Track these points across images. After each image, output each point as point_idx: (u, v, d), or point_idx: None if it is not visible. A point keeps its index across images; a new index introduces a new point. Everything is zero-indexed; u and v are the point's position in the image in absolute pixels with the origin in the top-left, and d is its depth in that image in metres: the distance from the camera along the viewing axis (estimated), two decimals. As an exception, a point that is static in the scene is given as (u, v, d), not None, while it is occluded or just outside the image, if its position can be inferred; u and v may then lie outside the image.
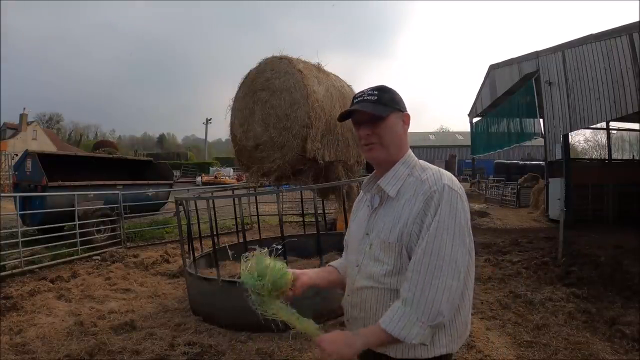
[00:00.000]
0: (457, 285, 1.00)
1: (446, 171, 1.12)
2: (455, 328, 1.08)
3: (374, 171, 1.25)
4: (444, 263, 0.98)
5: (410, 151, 1.18)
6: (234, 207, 5.48)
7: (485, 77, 14.39)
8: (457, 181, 1.10)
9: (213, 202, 4.59)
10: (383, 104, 1.12)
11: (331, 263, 1.42)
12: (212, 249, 4.20)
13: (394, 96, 1.16)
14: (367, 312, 1.13)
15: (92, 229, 7.01)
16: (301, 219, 7.34)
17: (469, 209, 1.09)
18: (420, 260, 1.00)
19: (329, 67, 4.81)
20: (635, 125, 12.72)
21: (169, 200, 9.36)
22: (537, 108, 9.87)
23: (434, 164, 1.19)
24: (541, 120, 10.21)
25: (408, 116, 1.17)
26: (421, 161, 1.18)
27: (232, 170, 30.00)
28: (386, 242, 1.09)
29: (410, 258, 1.05)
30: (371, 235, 1.15)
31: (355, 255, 1.21)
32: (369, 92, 1.16)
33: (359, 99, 1.17)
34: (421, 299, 0.97)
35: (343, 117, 1.23)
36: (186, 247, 4.38)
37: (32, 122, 34.82)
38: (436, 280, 0.97)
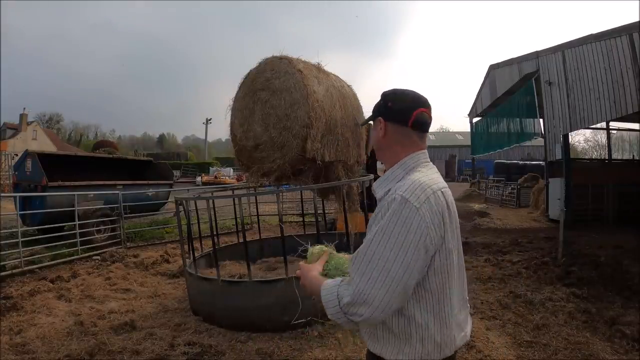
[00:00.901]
0: (392, 294, 0.99)
1: (423, 181, 1.07)
2: (421, 339, 1.08)
3: None
4: (375, 267, 1.00)
5: (414, 154, 1.16)
6: (234, 207, 5.48)
7: (485, 77, 14.39)
8: (427, 193, 1.05)
9: (213, 202, 4.59)
10: (372, 113, 1.25)
11: None
12: (212, 249, 4.20)
13: (379, 102, 1.23)
14: None
15: (92, 229, 7.00)
16: (301, 219, 7.34)
17: (438, 222, 1.04)
18: (358, 253, 1.05)
19: (329, 67, 4.80)
20: (635, 125, 12.72)
21: (169, 200, 9.36)
22: (537, 108, 9.87)
23: (433, 165, 1.20)
24: (541, 120, 10.21)
25: (380, 121, 1.20)
26: (423, 165, 1.16)
27: (232, 170, 30.00)
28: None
29: None
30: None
31: None
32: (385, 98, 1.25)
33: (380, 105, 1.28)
34: (350, 284, 1.03)
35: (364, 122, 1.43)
36: (186, 247, 4.38)
37: (32, 122, 34.83)
38: (365, 278, 1.01)
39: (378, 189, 1.18)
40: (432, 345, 1.08)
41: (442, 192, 1.09)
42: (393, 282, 0.99)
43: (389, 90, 1.23)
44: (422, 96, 1.20)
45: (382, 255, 1.00)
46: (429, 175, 1.12)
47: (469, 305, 1.26)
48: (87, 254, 6.42)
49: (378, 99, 1.25)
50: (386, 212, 1.03)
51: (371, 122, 1.27)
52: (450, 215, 1.09)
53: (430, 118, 1.19)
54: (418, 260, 1.00)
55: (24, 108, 33.66)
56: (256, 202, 6.18)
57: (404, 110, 1.16)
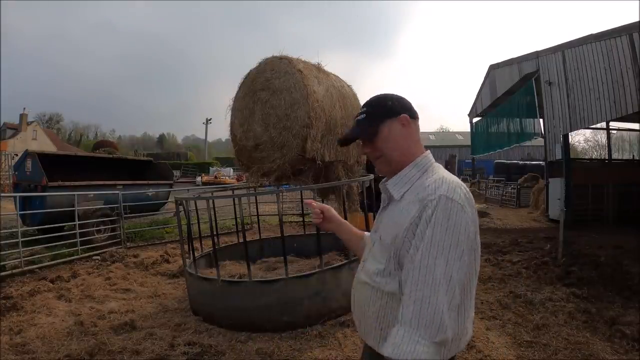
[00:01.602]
0: (454, 301, 0.96)
1: (452, 179, 1.07)
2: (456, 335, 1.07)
3: None
4: (440, 280, 0.94)
5: (426, 153, 1.16)
6: (234, 207, 5.48)
7: (485, 77, 14.39)
8: (462, 189, 1.04)
9: (213, 202, 4.59)
10: (372, 119, 1.15)
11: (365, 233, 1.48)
12: (212, 249, 4.20)
13: (384, 104, 1.16)
14: (360, 308, 1.18)
15: (92, 229, 7.00)
16: (301, 219, 7.34)
17: (475, 218, 1.03)
18: (415, 279, 0.96)
19: (329, 67, 4.82)
20: (635, 125, 12.73)
21: (169, 200, 9.36)
22: (537, 108, 9.87)
23: (443, 168, 1.19)
24: (541, 120, 10.21)
25: (405, 117, 1.14)
26: (436, 164, 1.15)
27: (232, 170, 30.00)
28: (384, 243, 1.11)
29: (399, 264, 1.05)
30: (377, 233, 1.19)
31: (365, 250, 1.27)
32: (360, 111, 1.19)
33: (354, 120, 1.22)
34: (421, 318, 0.93)
35: (341, 142, 1.26)
36: (186, 247, 4.38)
37: (32, 122, 34.84)
38: (434, 298, 0.93)
39: (393, 190, 1.13)
40: (455, 343, 1.07)
41: (467, 190, 1.09)
42: (456, 287, 0.96)
43: (375, 96, 1.20)
44: None
45: (445, 271, 0.95)
46: (449, 174, 1.11)
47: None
48: (87, 254, 6.42)
49: (366, 105, 1.20)
50: (431, 216, 0.98)
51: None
52: (476, 214, 1.10)
53: None
54: (470, 257, 1.00)
55: (24, 108, 33.71)
56: (256, 202, 6.18)
57: (412, 107, 1.18)
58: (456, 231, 0.97)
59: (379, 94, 1.21)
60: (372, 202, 4.52)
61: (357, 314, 1.20)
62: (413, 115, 1.16)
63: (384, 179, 1.25)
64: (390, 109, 1.15)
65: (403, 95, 1.21)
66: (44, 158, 7.52)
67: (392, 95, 1.19)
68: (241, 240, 5.00)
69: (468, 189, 1.08)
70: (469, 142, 18.03)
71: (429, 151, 1.18)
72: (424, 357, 0.91)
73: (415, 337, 0.92)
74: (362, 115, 1.17)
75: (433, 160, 1.16)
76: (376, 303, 1.11)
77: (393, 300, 1.07)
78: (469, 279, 1.04)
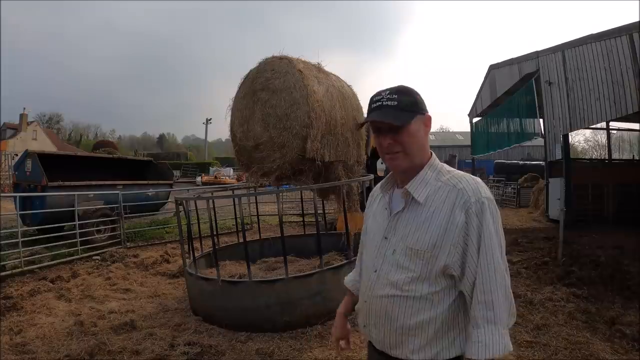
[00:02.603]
0: (510, 287, 1.07)
1: (479, 179, 1.11)
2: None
3: (390, 173, 1.22)
4: (501, 276, 1.04)
5: (434, 154, 1.16)
6: (234, 207, 5.48)
7: (485, 77, 14.38)
8: (484, 185, 1.11)
9: (213, 202, 4.59)
10: (403, 109, 1.07)
11: (345, 282, 1.49)
12: (212, 249, 4.20)
13: (415, 98, 1.11)
14: (388, 319, 1.11)
15: (92, 229, 7.00)
16: (301, 219, 7.34)
17: None
18: (485, 280, 1.02)
19: (329, 67, 4.81)
20: (635, 125, 12.72)
21: (169, 200, 9.36)
22: (537, 108, 9.86)
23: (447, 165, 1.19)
24: (541, 120, 10.20)
25: (429, 118, 1.13)
26: (443, 164, 1.16)
27: (232, 170, 29.99)
28: (414, 249, 1.07)
29: (445, 266, 1.04)
30: (392, 240, 1.12)
31: (372, 259, 1.18)
32: (388, 95, 1.09)
33: (377, 104, 1.10)
34: (500, 314, 1.02)
35: (362, 125, 1.28)
36: (186, 247, 4.38)
37: (32, 122, 34.81)
38: (502, 293, 1.03)
39: (417, 192, 1.09)
40: None
41: None
42: (508, 286, 1.07)
43: (402, 86, 1.13)
44: None
45: (504, 266, 1.06)
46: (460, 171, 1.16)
47: None
48: (87, 254, 6.42)
49: (401, 89, 1.12)
50: (482, 220, 1.04)
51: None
52: None
53: None
54: None
55: (24, 108, 33.69)
56: (256, 202, 6.18)
57: (425, 106, 1.16)
58: (500, 226, 1.08)
59: (403, 85, 1.14)
60: (372, 202, 4.52)
61: (383, 328, 1.12)
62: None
63: (384, 180, 1.22)
64: (420, 104, 1.11)
65: None
66: (44, 158, 7.52)
67: (417, 90, 1.13)
68: (241, 240, 5.01)
69: None
70: (469, 142, 18.01)
71: (433, 152, 1.19)
72: (508, 341, 1.03)
73: (502, 330, 1.02)
74: (394, 102, 1.07)
75: (439, 160, 1.18)
76: (410, 311, 1.08)
77: (424, 302, 1.07)
78: None
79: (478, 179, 1.10)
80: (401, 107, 1.07)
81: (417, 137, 1.09)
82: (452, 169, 1.15)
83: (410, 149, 1.09)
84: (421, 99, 1.12)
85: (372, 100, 1.12)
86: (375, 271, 1.15)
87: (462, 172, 1.13)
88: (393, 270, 1.10)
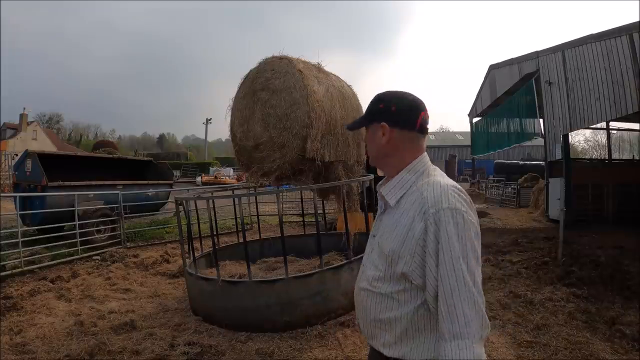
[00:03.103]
0: (481, 297, 1.01)
1: (447, 184, 1.06)
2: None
3: None
4: (466, 288, 0.98)
5: (420, 157, 1.15)
6: (234, 207, 5.48)
7: (485, 77, 14.39)
8: (460, 194, 1.05)
9: (213, 202, 4.59)
10: (364, 118, 1.20)
11: None
12: (212, 249, 4.20)
13: (373, 107, 1.18)
14: (364, 313, 1.18)
15: (92, 229, 7.00)
16: (301, 219, 7.34)
17: (476, 219, 1.05)
18: (448, 294, 0.98)
19: (329, 67, 4.81)
20: (635, 125, 12.72)
21: (169, 200, 9.35)
22: (537, 108, 9.87)
23: (433, 164, 1.18)
24: (541, 120, 10.21)
25: (384, 126, 1.14)
26: (431, 168, 1.14)
27: (232, 170, 29.99)
28: (381, 250, 1.12)
29: (403, 275, 1.05)
30: (376, 238, 1.18)
31: (365, 254, 1.26)
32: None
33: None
34: (468, 327, 0.97)
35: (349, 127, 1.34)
36: (186, 247, 4.38)
37: (32, 122, 34.81)
38: (468, 306, 0.98)
39: (389, 196, 1.14)
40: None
41: (464, 192, 1.09)
42: (479, 283, 1.01)
43: (385, 93, 1.18)
44: (419, 98, 1.18)
45: (472, 277, 0.99)
46: (445, 177, 1.11)
47: None
48: (87, 254, 6.42)
49: (375, 97, 1.19)
50: (439, 231, 0.99)
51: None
52: (475, 212, 1.11)
53: (429, 120, 1.18)
54: (479, 254, 1.03)
55: (24, 108, 33.69)
56: (256, 202, 6.19)
57: (410, 114, 1.14)
58: (467, 238, 0.99)
59: (378, 94, 1.19)
60: (372, 202, 4.52)
61: (362, 319, 1.20)
62: (403, 124, 1.13)
63: (380, 182, 1.25)
64: (376, 113, 1.17)
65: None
66: (44, 158, 7.51)
67: (399, 101, 1.15)
68: (241, 240, 5.01)
69: (462, 189, 1.08)
70: (469, 142, 18.04)
71: (424, 154, 1.17)
72: (482, 356, 0.98)
73: (469, 344, 0.97)
74: (393, 107, 1.15)
75: (428, 162, 1.15)
76: (379, 307, 1.12)
77: (390, 300, 1.10)
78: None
79: (448, 187, 1.04)
80: (366, 114, 1.20)
81: (373, 143, 1.18)
82: (437, 173, 1.13)
83: (371, 151, 1.20)
84: (388, 105, 1.15)
85: None
86: (363, 265, 1.24)
87: (438, 179, 1.08)
88: (370, 266, 1.17)
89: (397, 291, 1.08)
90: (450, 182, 1.08)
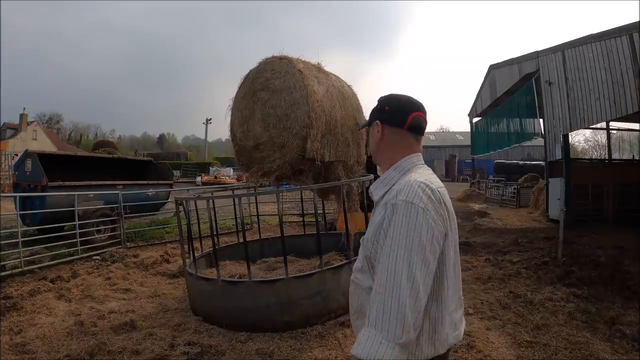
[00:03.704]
0: (418, 301, 0.98)
1: (418, 181, 1.08)
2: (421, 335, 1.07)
3: None
4: (401, 282, 0.97)
5: (409, 156, 1.20)
6: (234, 207, 5.48)
7: (485, 77, 14.39)
8: (427, 191, 1.05)
9: (213, 202, 4.59)
10: (369, 118, 1.31)
11: None
12: (212, 249, 4.20)
13: (374, 108, 1.28)
14: (350, 306, 1.25)
15: (92, 229, 7.00)
16: (301, 219, 7.34)
17: (444, 216, 1.06)
18: (379, 281, 1.00)
19: (329, 67, 4.81)
20: (635, 125, 12.72)
21: (169, 200, 9.35)
22: (537, 108, 9.87)
23: (433, 164, 1.20)
24: (541, 120, 10.21)
25: (378, 125, 1.24)
26: (419, 167, 1.19)
27: (232, 170, 29.99)
28: (363, 242, 1.19)
29: (370, 264, 1.13)
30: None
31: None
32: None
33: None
34: (384, 320, 0.96)
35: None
36: (186, 247, 4.38)
37: (32, 122, 34.82)
38: (395, 300, 0.96)
39: (375, 192, 1.22)
40: (426, 343, 1.08)
41: (439, 190, 1.09)
42: (420, 288, 0.98)
43: (385, 95, 1.28)
44: (417, 101, 1.25)
45: (408, 274, 0.97)
46: (425, 175, 1.13)
47: (463, 305, 1.28)
48: (87, 254, 6.42)
49: (377, 99, 1.30)
50: (390, 221, 1.03)
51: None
52: (449, 213, 1.11)
53: (425, 122, 1.24)
54: (434, 259, 1.03)
55: (24, 108, 33.70)
56: (256, 202, 6.19)
57: (400, 113, 1.21)
58: (417, 233, 0.99)
59: (381, 96, 1.29)
60: (372, 202, 4.52)
61: (351, 313, 1.26)
62: (393, 122, 1.22)
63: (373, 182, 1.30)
64: (374, 114, 1.28)
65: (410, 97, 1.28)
66: (44, 158, 7.51)
67: (390, 102, 1.26)
68: (241, 240, 5.01)
69: (439, 189, 1.09)
70: (469, 142, 18.04)
71: (417, 154, 1.22)
72: (388, 357, 0.94)
73: (379, 338, 0.95)
74: (386, 107, 1.26)
75: (416, 161, 1.20)
76: (360, 299, 1.17)
77: (364, 292, 1.15)
78: (440, 279, 1.07)
79: (415, 183, 1.06)
80: (369, 116, 1.31)
81: (373, 141, 1.27)
82: (421, 172, 1.16)
83: (372, 149, 1.30)
84: (382, 106, 1.25)
85: None
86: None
87: (413, 176, 1.11)
88: (358, 258, 1.25)
89: (371, 282, 1.12)
90: (423, 178, 1.10)
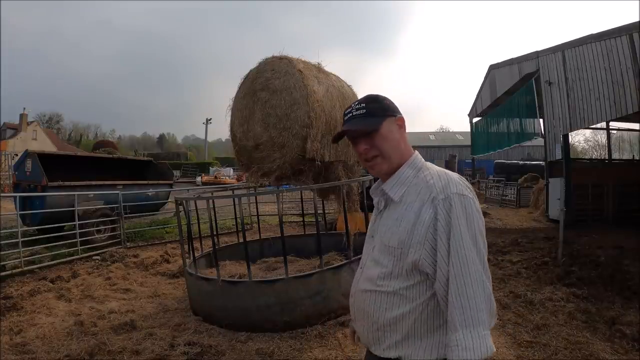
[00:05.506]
0: (490, 283, 1.02)
1: (453, 174, 1.09)
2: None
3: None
4: (477, 276, 0.98)
5: (416, 153, 1.17)
6: (234, 207, 5.48)
7: (485, 77, 14.39)
8: (465, 182, 1.07)
9: (213, 202, 4.59)
10: (372, 115, 1.13)
11: None
12: (212, 249, 4.20)
13: (383, 103, 1.16)
14: (365, 314, 1.14)
15: (92, 229, 7.00)
16: (301, 219, 7.34)
17: (480, 208, 1.06)
18: (460, 280, 0.98)
19: (329, 67, 4.81)
20: (635, 125, 12.72)
21: (169, 200, 9.36)
22: (537, 108, 9.87)
23: (433, 164, 1.18)
24: (541, 120, 10.21)
25: (401, 119, 1.16)
26: (428, 163, 1.16)
27: (232, 170, 30.00)
28: (387, 246, 1.09)
29: (414, 266, 1.04)
30: (375, 238, 1.17)
31: (362, 257, 1.25)
32: (357, 106, 1.15)
33: (348, 115, 1.17)
34: (479, 317, 0.97)
35: (336, 138, 1.23)
36: (186, 247, 4.38)
37: (32, 122, 34.81)
38: (480, 294, 0.98)
39: (391, 192, 1.12)
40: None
41: (463, 178, 1.11)
42: (487, 269, 1.02)
43: (367, 95, 1.20)
44: None
45: (481, 262, 1.00)
46: (442, 168, 1.13)
47: None
48: (87, 254, 6.42)
49: (363, 100, 1.19)
50: (449, 216, 0.99)
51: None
52: None
53: None
54: (485, 245, 1.04)
55: (24, 108, 33.70)
56: (256, 202, 6.19)
57: (394, 105, 1.18)
58: (476, 222, 1.01)
59: (371, 94, 1.20)
60: (372, 202, 4.52)
61: (363, 326, 1.16)
62: (400, 115, 1.18)
63: (376, 183, 1.22)
64: (389, 108, 1.15)
65: (394, 97, 1.23)
66: (44, 158, 7.51)
67: (376, 95, 1.19)
68: (241, 240, 5.01)
69: (464, 179, 1.10)
70: (469, 142, 18.02)
71: (417, 151, 1.18)
72: (490, 343, 0.98)
73: (481, 332, 0.97)
74: (362, 111, 1.14)
75: (422, 159, 1.17)
76: (384, 306, 1.09)
77: (397, 298, 1.07)
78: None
79: (453, 175, 1.07)
80: (370, 113, 1.13)
81: (391, 139, 1.12)
82: (434, 167, 1.14)
83: (386, 151, 1.12)
84: (390, 103, 1.17)
85: (344, 114, 1.20)
86: (361, 267, 1.22)
87: (440, 170, 1.11)
88: (371, 266, 1.14)
89: (405, 287, 1.05)
90: (451, 172, 1.11)
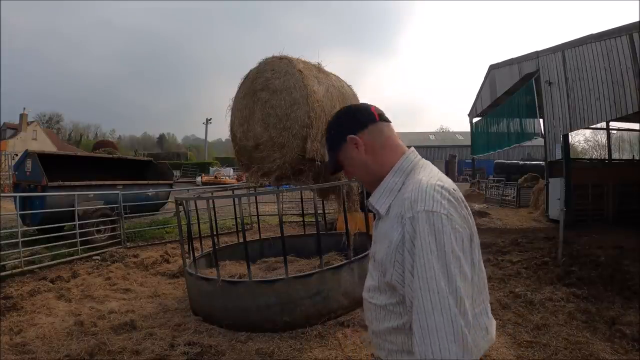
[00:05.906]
0: (468, 318, 0.85)
1: (428, 183, 0.94)
2: None
3: None
4: (449, 305, 0.83)
5: (405, 155, 1.07)
6: (234, 207, 5.48)
7: (485, 77, 14.39)
8: (443, 192, 0.92)
9: (213, 202, 4.59)
10: (331, 148, 1.14)
11: None
12: (212, 249, 4.20)
13: (337, 129, 1.11)
14: (367, 320, 1.13)
15: (92, 229, 7.01)
16: (301, 219, 7.34)
17: (465, 215, 0.94)
18: (419, 305, 0.85)
19: (329, 67, 4.82)
20: (635, 125, 12.72)
21: (169, 200, 9.36)
22: (537, 108, 9.87)
23: (433, 164, 1.12)
24: (541, 120, 10.21)
25: (351, 139, 1.07)
26: (420, 164, 1.05)
27: (232, 170, 30.00)
28: (374, 259, 1.06)
29: (389, 285, 0.98)
30: (373, 248, 1.13)
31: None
32: (325, 136, 1.17)
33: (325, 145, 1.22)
34: (438, 348, 0.82)
35: (332, 173, 1.24)
36: (186, 247, 4.38)
37: (32, 122, 34.82)
38: (448, 329, 0.82)
39: (377, 204, 1.04)
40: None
41: (454, 189, 0.96)
42: (463, 296, 0.84)
43: (328, 124, 1.17)
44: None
45: (450, 289, 0.84)
46: (433, 174, 0.99)
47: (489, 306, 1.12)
48: (87, 254, 6.42)
49: (326, 129, 1.17)
50: (413, 239, 0.88)
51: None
52: (469, 212, 0.98)
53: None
54: (470, 268, 0.90)
55: (24, 108, 33.71)
56: (256, 202, 6.19)
57: (362, 113, 1.10)
58: (448, 243, 0.86)
59: (329, 122, 1.17)
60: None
61: (368, 326, 1.15)
62: (368, 123, 1.07)
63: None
64: (342, 132, 1.09)
65: (365, 102, 1.17)
66: (44, 158, 7.51)
67: (339, 114, 1.14)
68: (241, 240, 5.01)
69: (450, 185, 0.96)
70: (469, 142, 18.03)
71: (411, 149, 1.09)
72: None
73: None
74: (326, 146, 1.16)
75: (415, 158, 1.06)
76: (376, 316, 1.06)
77: (386, 312, 1.02)
78: (475, 282, 0.95)
79: (429, 187, 0.92)
80: (330, 146, 1.14)
81: (354, 164, 1.10)
82: (426, 170, 1.03)
83: (357, 174, 1.12)
84: (344, 121, 1.11)
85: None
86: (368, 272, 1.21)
87: (420, 178, 0.97)
88: (368, 277, 1.12)
89: (392, 303, 1.00)
90: (435, 179, 0.96)
